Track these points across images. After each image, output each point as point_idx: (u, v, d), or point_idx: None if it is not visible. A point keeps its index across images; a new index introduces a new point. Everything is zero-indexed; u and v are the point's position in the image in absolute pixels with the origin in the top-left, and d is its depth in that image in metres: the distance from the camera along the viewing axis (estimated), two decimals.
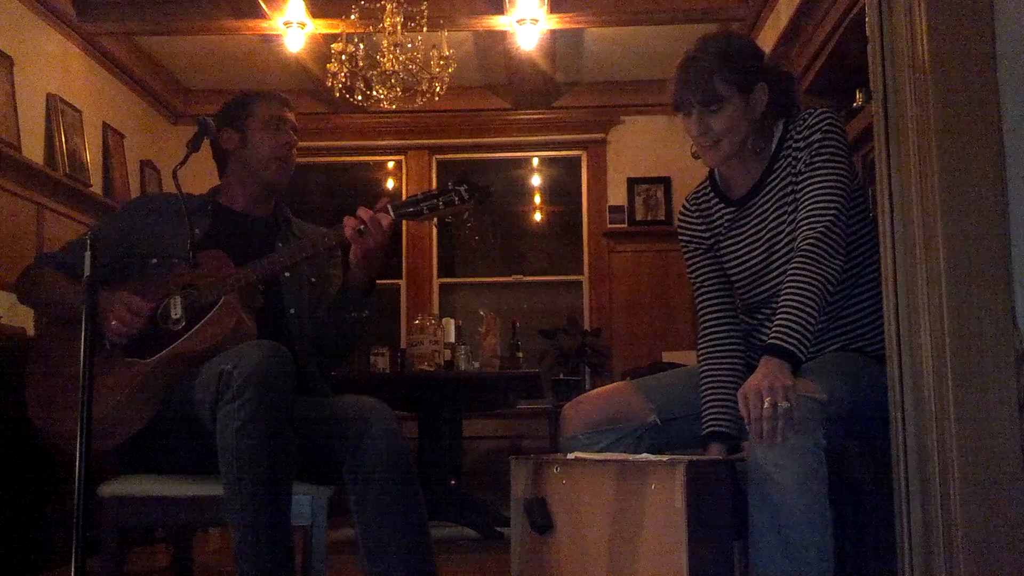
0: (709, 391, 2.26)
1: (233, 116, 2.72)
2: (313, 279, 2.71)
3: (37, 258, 2.68)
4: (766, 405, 1.90)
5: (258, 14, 5.75)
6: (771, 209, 2.25)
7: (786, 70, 2.37)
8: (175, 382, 2.35)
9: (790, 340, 2.00)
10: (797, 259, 2.08)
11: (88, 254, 2.05)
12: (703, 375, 2.29)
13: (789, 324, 2.01)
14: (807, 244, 2.08)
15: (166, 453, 2.42)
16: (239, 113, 2.71)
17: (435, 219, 2.46)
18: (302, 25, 5.75)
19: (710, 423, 2.22)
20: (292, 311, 2.63)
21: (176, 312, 2.42)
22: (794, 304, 2.03)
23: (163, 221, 2.61)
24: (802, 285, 2.04)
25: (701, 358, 2.33)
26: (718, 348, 2.31)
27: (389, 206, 2.42)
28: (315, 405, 2.46)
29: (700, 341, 2.35)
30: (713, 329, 2.34)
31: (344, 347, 2.70)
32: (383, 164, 7.84)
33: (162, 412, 2.34)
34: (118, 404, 2.31)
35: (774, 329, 2.03)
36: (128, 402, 2.32)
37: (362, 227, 2.39)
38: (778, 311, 2.06)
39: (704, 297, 2.38)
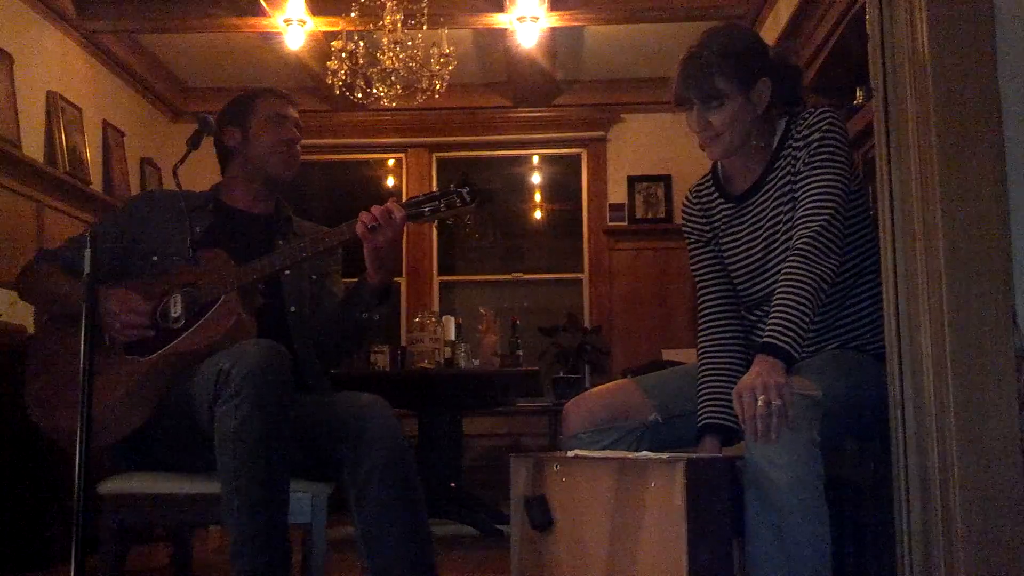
0: (706, 384, 2.26)
1: (235, 114, 2.72)
2: (314, 276, 2.70)
3: (38, 254, 2.68)
4: (760, 403, 1.90)
5: (258, 12, 5.74)
6: (769, 207, 2.25)
7: (793, 63, 2.35)
8: (174, 380, 2.34)
9: (784, 338, 2.00)
10: (792, 257, 2.08)
11: (88, 252, 2.05)
12: (701, 368, 2.29)
13: (783, 322, 2.01)
14: (802, 242, 2.08)
15: (164, 451, 2.42)
16: (241, 110, 2.71)
17: (436, 220, 2.45)
18: (302, 23, 5.75)
19: (706, 415, 2.22)
20: (292, 309, 2.63)
21: (176, 310, 2.42)
22: (788, 302, 2.03)
23: (164, 219, 2.60)
24: (796, 283, 2.04)
25: (700, 351, 2.33)
26: (717, 341, 2.31)
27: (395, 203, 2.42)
28: (314, 403, 2.46)
29: (699, 334, 2.35)
30: (712, 322, 2.34)
31: (348, 347, 2.70)
32: (383, 162, 7.84)
33: (160, 410, 2.34)
34: (116, 401, 2.31)
35: (768, 327, 2.03)
36: (126, 399, 2.32)
37: (374, 223, 2.37)
38: (772, 309, 2.06)
39: (705, 290, 2.39)
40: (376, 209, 2.38)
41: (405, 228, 2.42)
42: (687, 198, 2.46)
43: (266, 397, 2.15)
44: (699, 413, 2.24)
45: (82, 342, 1.98)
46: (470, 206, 2.38)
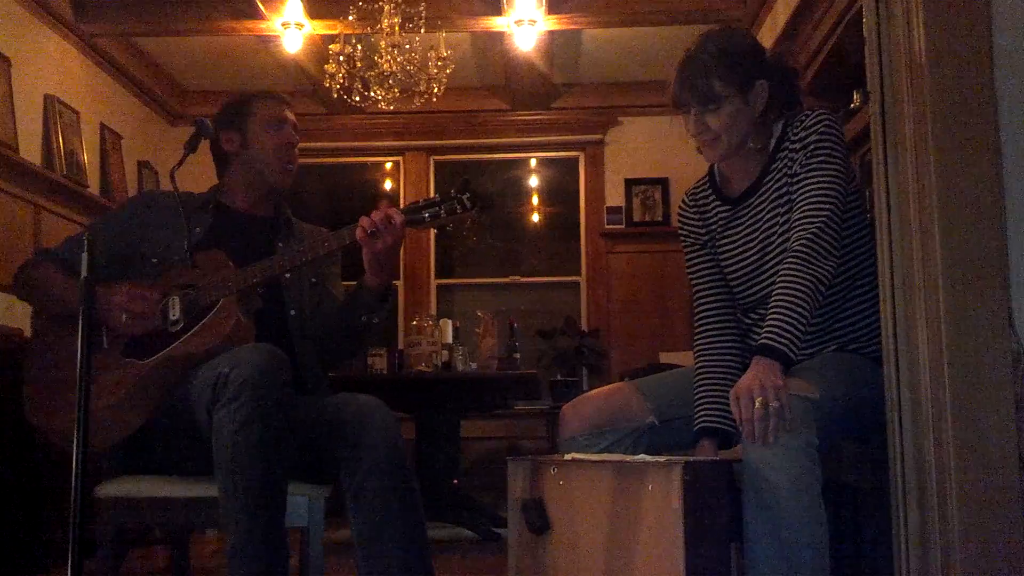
0: (702, 387, 2.26)
1: (233, 117, 2.71)
2: (313, 279, 2.70)
3: (36, 253, 2.67)
4: (757, 405, 1.90)
5: (256, 15, 5.74)
6: (766, 209, 2.25)
7: (790, 64, 2.36)
8: (172, 384, 2.34)
9: (781, 340, 2.00)
10: (789, 259, 2.08)
11: (85, 255, 2.05)
12: (697, 371, 2.30)
13: (780, 324, 2.01)
14: (799, 244, 2.08)
15: (162, 454, 2.42)
16: (239, 114, 2.70)
17: (435, 227, 2.44)
18: (300, 26, 5.75)
19: (702, 419, 2.23)
20: (293, 312, 2.62)
21: (174, 313, 2.42)
22: (785, 304, 2.03)
23: (163, 220, 2.59)
24: (793, 285, 2.04)
25: (696, 354, 2.33)
26: (713, 345, 2.32)
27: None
28: (313, 405, 2.46)
29: (696, 337, 2.36)
30: (708, 325, 2.34)
31: (349, 349, 2.69)
32: (381, 165, 7.84)
33: (158, 413, 2.34)
34: (115, 405, 2.31)
35: (765, 329, 2.03)
36: (125, 403, 2.32)
37: (375, 229, 2.36)
38: (769, 311, 2.06)
39: (701, 293, 2.39)
40: (376, 215, 2.38)
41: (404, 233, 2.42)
42: (684, 202, 2.46)
43: (265, 402, 2.15)
44: (695, 416, 2.24)
45: (79, 346, 1.98)
46: (470, 212, 2.37)
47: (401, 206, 2.43)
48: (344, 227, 2.45)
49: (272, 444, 2.16)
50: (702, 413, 2.23)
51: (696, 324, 2.37)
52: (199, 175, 2.81)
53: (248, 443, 2.14)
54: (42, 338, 2.56)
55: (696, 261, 2.41)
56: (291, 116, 2.74)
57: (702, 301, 2.38)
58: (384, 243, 2.38)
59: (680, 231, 2.46)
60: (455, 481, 5.02)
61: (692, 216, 2.42)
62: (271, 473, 2.17)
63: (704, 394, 2.25)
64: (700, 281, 2.40)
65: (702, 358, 2.31)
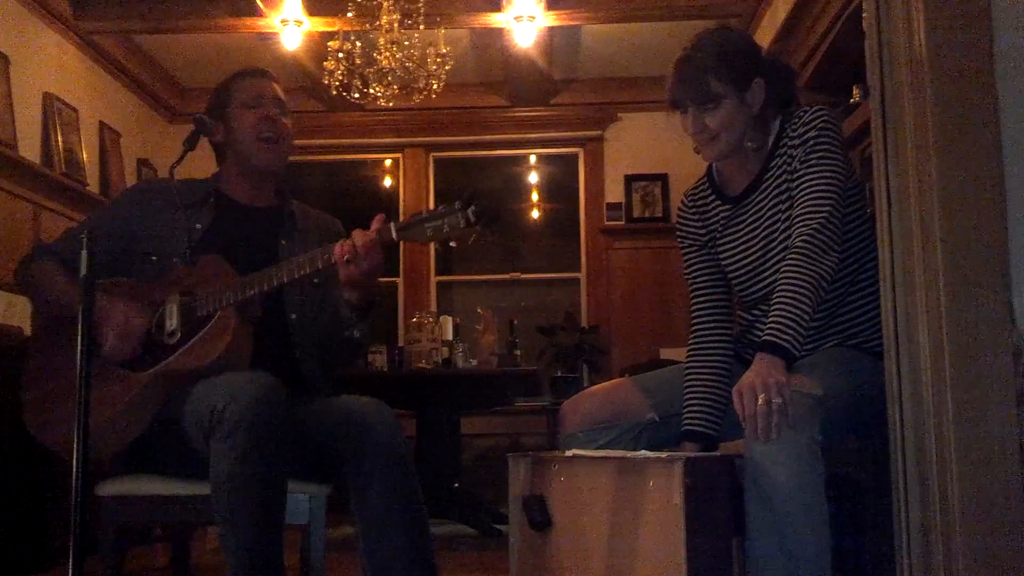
0: (690, 390, 2.28)
1: (216, 107, 2.66)
2: (316, 280, 2.62)
3: (35, 248, 2.63)
4: (760, 402, 1.90)
5: (255, 12, 5.74)
6: (767, 206, 2.25)
7: (786, 63, 2.36)
8: (168, 396, 2.32)
9: (784, 336, 2.00)
10: (791, 256, 2.08)
11: (85, 253, 2.04)
12: (687, 373, 2.30)
13: (783, 321, 2.01)
14: (801, 241, 2.08)
15: (161, 459, 2.39)
16: (220, 102, 2.66)
17: (436, 240, 2.28)
18: (299, 23, 5.74)
19: (686, 423, 2.24)
20: (293, 316, 2.58)
21: (172, 323, 2.37)
22: (788, 301, 2.03)
23: (162, 214, 2.55)
24: (796, 282, 2.04)
25: (688, 355, 2.34)
26: (704, 348, 2.32)
27: (392, 227, 2.28)
28: (316, 406, 2.44)
29: (689, 339, 2.36)
30: (701, 328, 2.35)
31: (340, 361, 2.66)
32: (380, 162, 7.83)
33: (154, 424, 2.31)
34: (111, 417, 2.28)
35: (768, 326, 2.03)
36: (121, 416, 2.29)
37: (350, 255, 2.26)
38: (772, 308, 2.06)
39: (696, 295, 2.39)
40: (356, 238, 2.28)
41: (401, 244, 2.37)
42: (683, 202, 2.46)
43: (261, 438, 2.12)
44: (682, 418, 2.25)
45: (79, 345, 1.97)
46: (474, 228, 2.22)
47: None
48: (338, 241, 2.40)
49: (269, 477, 2.14)
50: (687, 416, 2.24)
51: (691, 325, 2.38)
52: (200, 172, 2.80)
53: (244, 477, 2.11)
54: (42, 342, 2.53)
55: (694, 262, 2.41)
56: (272, 89, 2.64)
57: (697, 303, 2.38)
58: (360, 268, 2.28)
59: (678, 233, 2.46)
60: (455, 484, 5.01)
61: (691, 217, 2.42)
62: (268, 503, 2.15)
63: (690, 396, 2.26)
64: (697, 283, 2.40)
65: (692, 359, 2.32)
